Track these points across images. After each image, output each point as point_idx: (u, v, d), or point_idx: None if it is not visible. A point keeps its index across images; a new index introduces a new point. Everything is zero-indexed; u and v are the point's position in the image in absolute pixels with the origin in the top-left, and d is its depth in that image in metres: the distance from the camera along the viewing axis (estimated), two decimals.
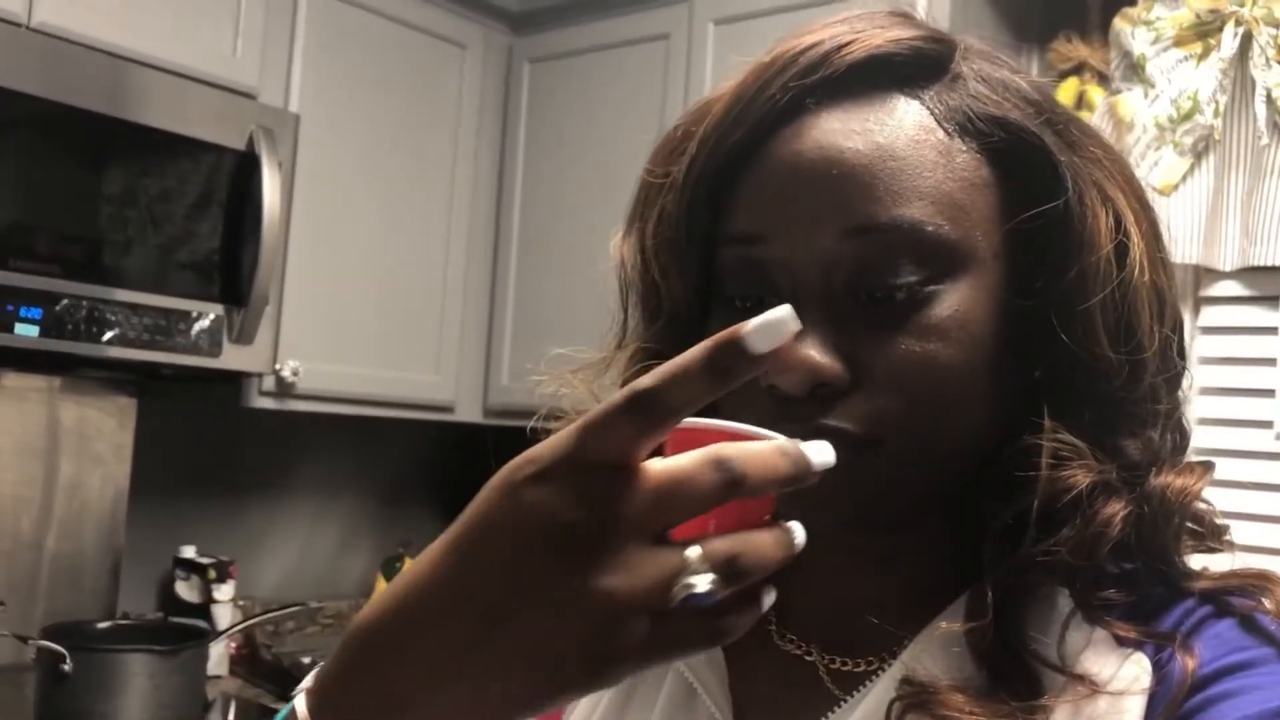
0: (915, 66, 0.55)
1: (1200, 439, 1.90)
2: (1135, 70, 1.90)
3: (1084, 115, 1.98)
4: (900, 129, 0.53)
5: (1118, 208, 0.54)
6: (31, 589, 2.12)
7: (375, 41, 2.31)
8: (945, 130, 0.53)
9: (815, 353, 0.51)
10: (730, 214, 0.55)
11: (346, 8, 2.26)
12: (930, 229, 0.52)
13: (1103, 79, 1.98)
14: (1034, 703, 0.50)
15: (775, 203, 0.53)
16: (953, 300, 0.52)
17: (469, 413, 2.50)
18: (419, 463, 2.80)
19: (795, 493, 0.53)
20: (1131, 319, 0.53)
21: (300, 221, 2.15)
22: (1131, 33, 1.90)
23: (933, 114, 0.54)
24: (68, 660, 1.79)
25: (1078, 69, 2.01)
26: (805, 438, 0.52)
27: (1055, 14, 2.07)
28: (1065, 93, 2.01)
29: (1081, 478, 0.51)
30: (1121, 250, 0.53)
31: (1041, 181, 0.53)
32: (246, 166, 1.98)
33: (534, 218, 2.49)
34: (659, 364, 0.38)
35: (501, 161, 2.55)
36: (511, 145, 2.54)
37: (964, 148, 0.53)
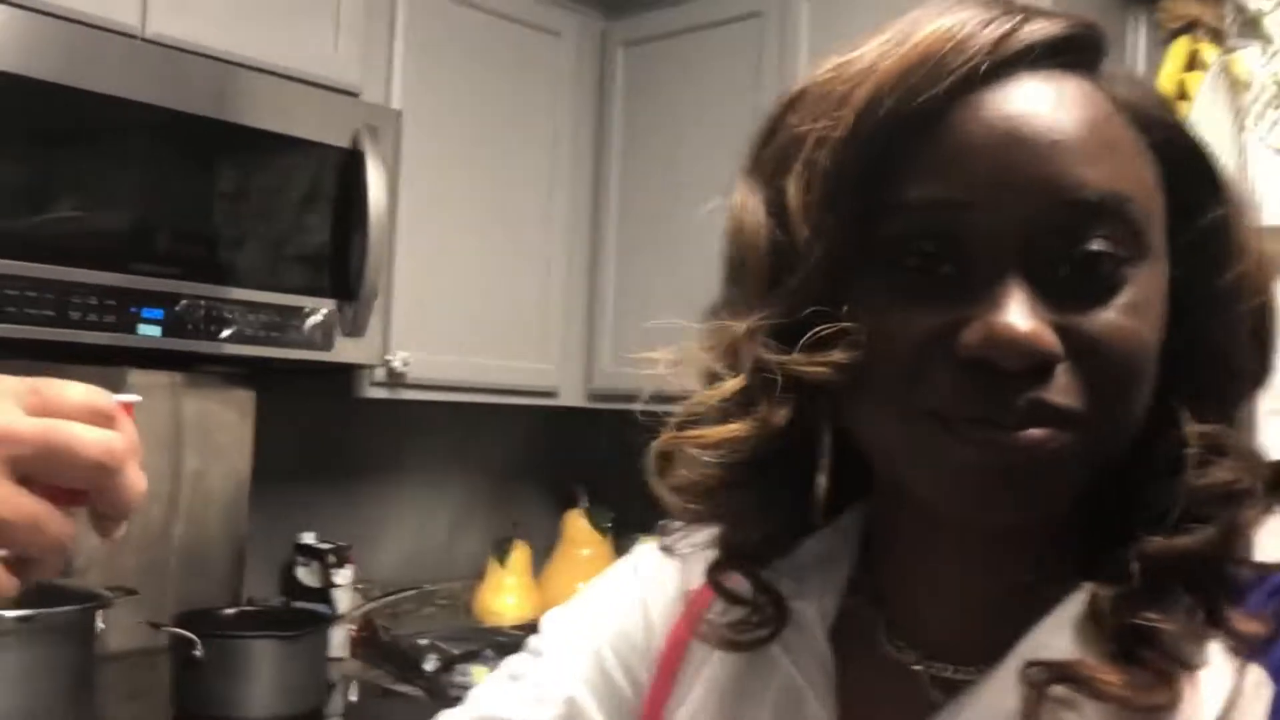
0: (1089, 52, 0.53)
1: None
2: (1251, 26, 1.82)
3: (1196, 76, 1.91)
4: (1099, 109, 0.51)
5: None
6: (162, 577, 2.21)
7: (471, 35, 2.34)
8: (1123, 119, 0.52)
9: (1030, 323, 0.48)
10: (907, 177, 0.50)
11: (443, 3, 2.29)
12: (1135, 206, 0.50)
13: (1216, 36, 1.90)
14: (1170, 672, 0.48)
15: (985, 167, 0.50)
16: (1144, 282, 0.51)
17: (573, 397, 2.53)
18: (526, 446, 2.84)
19: (1004, 476, 0.49)
20: (1264, 333, 0.53)
21: (406, 215, 2.20)
22: None
23: (1112, 101, 0.52)
24: (199, 646, 1.86)
25: (1189, 27, 1.93)
26: (1025, 416, 0.49)
27: None
28: (1176, 53, 1.94)
29: (1225, 475, 0.51)
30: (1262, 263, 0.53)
31: (1197, 186, 0.53)
32: (352, 163, 2.02)
33: (631, 202, 2.50)
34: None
35: (598, 146, 2.56)
36: (608, 130, 2.55)
37: (1137, 139, 0.53)
